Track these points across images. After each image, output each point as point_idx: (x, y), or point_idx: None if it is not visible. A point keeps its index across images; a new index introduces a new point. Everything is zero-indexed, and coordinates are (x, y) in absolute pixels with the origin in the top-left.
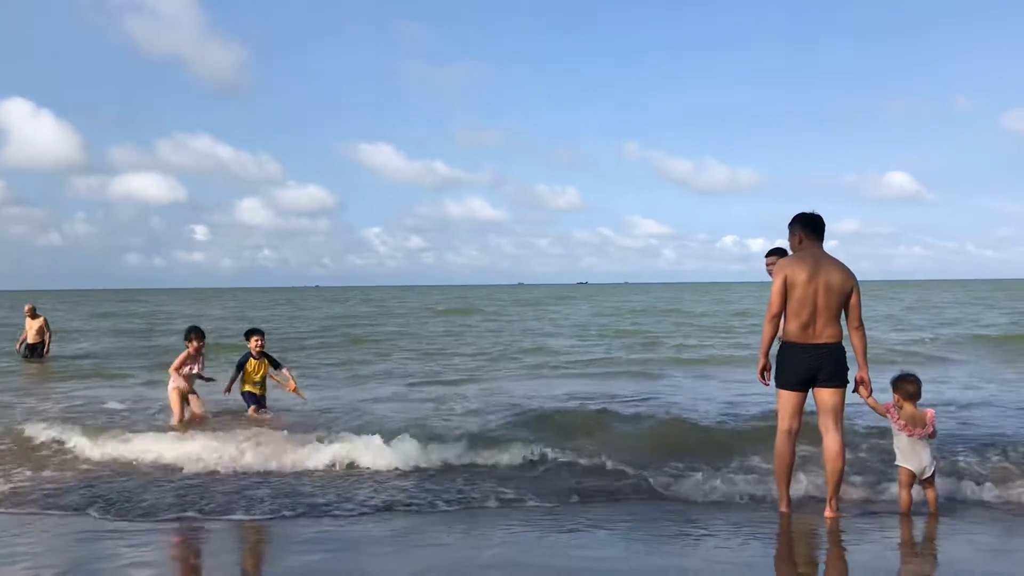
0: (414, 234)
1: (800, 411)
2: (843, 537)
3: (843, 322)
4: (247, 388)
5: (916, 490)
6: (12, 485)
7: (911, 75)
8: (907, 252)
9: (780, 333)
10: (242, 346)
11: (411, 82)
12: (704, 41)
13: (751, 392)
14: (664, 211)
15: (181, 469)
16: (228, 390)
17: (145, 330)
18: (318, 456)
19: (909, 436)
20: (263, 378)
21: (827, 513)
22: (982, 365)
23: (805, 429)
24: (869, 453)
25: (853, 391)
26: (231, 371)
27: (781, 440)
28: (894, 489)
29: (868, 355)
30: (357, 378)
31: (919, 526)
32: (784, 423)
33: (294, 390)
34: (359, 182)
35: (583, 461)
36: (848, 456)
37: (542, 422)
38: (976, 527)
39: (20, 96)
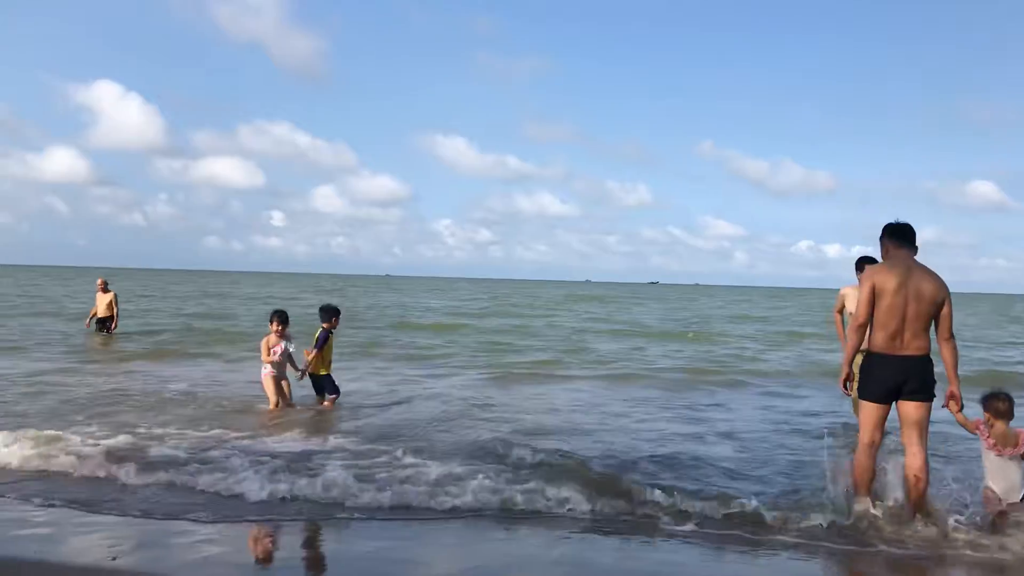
0: (483, 227)
1: (883, 424)
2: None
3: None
4: (324, 371)
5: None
6: None
7: (996, 80)
8: (989, 264)
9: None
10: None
11: (483, 74)
12: (779, 40)
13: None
14: (737, 212)
15: None
16: (304, 375)
17: (219, 314)
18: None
19: (998, 455)
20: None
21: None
22: None
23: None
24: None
25: (942, 406)
26: (311, 351)
27: (862, 453)
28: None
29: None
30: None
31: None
32: (866, 436)
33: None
34: (431, 173)
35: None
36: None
37: None
38: None
39: (110, 79)
